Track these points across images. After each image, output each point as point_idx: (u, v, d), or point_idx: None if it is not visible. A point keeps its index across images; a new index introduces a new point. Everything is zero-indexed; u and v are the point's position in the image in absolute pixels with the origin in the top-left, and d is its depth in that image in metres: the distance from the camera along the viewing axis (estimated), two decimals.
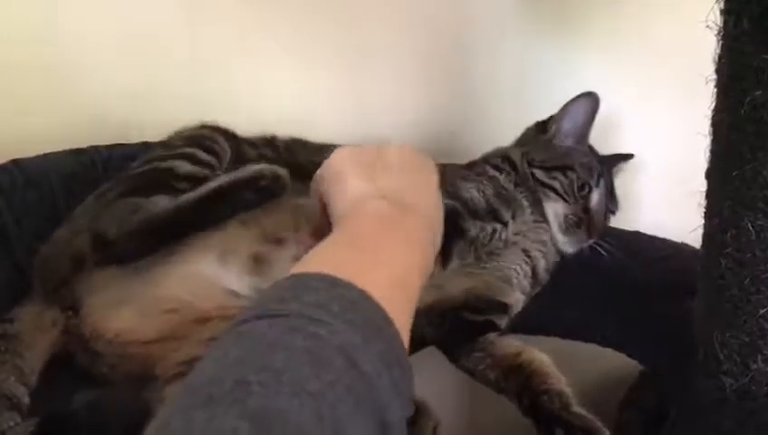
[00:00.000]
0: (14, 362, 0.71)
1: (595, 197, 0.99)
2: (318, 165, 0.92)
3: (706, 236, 0.70)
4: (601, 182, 1.00)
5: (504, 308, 0.91)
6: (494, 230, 0.93)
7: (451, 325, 0.89)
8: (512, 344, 0.85)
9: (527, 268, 0.95)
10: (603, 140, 1.10)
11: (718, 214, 0.67)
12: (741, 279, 0.65)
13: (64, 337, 0.76)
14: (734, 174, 0.64)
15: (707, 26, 0.65)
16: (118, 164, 0.92)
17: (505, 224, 0.94)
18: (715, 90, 0.67)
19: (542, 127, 1.04)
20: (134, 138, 1.00)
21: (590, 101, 0.99)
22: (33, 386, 0.72)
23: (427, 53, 1.21)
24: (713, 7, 0.64)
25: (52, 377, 0.74)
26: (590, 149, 1.05)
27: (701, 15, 0.65)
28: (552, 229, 0.98)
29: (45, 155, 0.90)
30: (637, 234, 1.07)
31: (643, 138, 1.20)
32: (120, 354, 0.75)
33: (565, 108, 1.01)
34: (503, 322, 0.90)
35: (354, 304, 0.44)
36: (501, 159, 1.01)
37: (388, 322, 0.45)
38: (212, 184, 0.78)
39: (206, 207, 0.77)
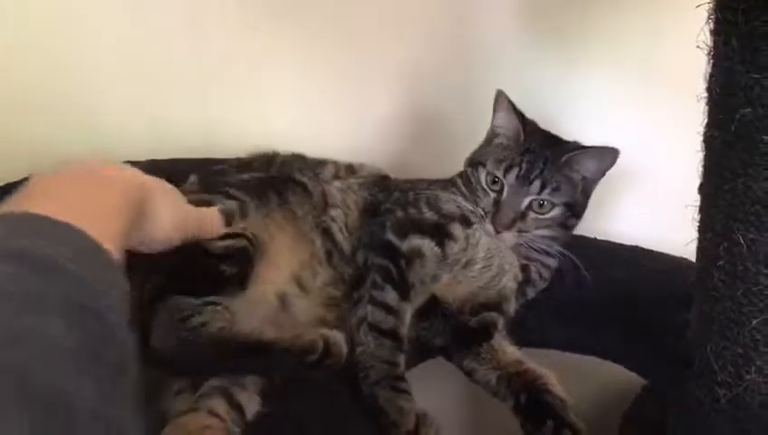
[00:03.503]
0: None
1: (506, 189, 0.96)
2: (311, 178, 0.96)
3: (700, 249, 0.72)
4: (512, 173, 0.95)
5: (498, 308, 0.94)
6: (474, 234, 0.95)
7: (453, 330, 0.93)
8: (516, 354, 0.90)
9: (516, 269, 0.97)
10: None
11: (711, 228, 0.69)
12: (734, 291, 0.67)
13: None
14: (725, 189, 0.66)
15: (698, 47, 0.68)
16: None
17: (480, 228, 0.96)
18: (707, 107, 0.68)
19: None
20: (141, 155, 1.02)
21: (502, 98, 1.00)
22: None
23: (428, 68, 1.24)
24: (702, 28, 0.66)
25: None
26: (543, 138, 1.01)
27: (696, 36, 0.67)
28: None
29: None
30: (635, 248, 1.09)
31: (642, 154, 1.22)
32: None
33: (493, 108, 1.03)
34: (499, 322, 0.93)
35: (54, 229, 0.48)
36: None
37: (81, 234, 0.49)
38: (263, 337, 0.77)
39: (248, 357, 0.77)
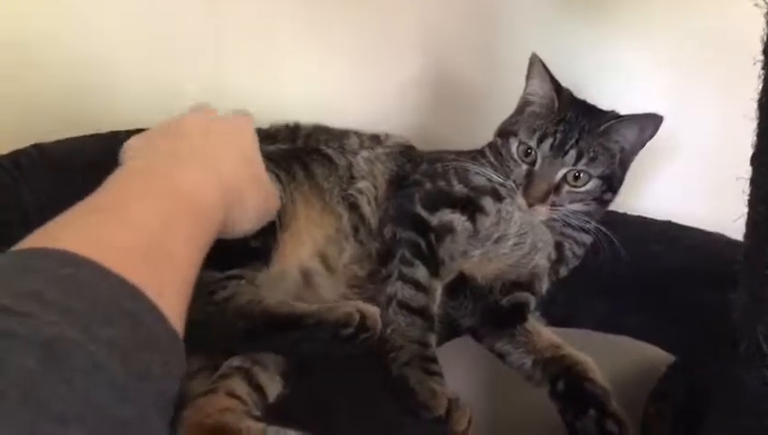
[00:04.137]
0: None
1: (539, 160, 0.91)
2: (337, 149, 0.91)
3: (751, 224, 0.68)
4: (546, 143, 0.91)
5: (531, 287, 0.90)
6: (505, 208, 0.91)
7: (484, 311, 0.90)
8: (553, 338, 0.87)
9: (549, 247, 0.93)
10: None
11: (766, 200, 0.65)
12: None
13: None
14: None
15: (756, 5, 0.63)
16: None
17: (512, 202, 0.92)
18: (763, 71, 0.64)
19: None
20: (153, 123, 0.98)
21: (535, 62, 0.95)
22: None
23: (452, 32, 1.19)
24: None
25: None
26: (578, 106, 0.96)
27: None
28: None
29: (67, 139, 0.89)
30: (668, 223, 1.05)
31: (677, 125, 1.17)
32: None
33: (526, 75, 0.97)
34: (532, 302, 0.90)
35: (82, 286, 0.38)
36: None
37: (135, 297, 0.40)
38: (296, 309, 0.75)
39: (281, 330, 0.74)
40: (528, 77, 0.97)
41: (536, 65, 0.95)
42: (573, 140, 0.90)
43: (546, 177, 0.90)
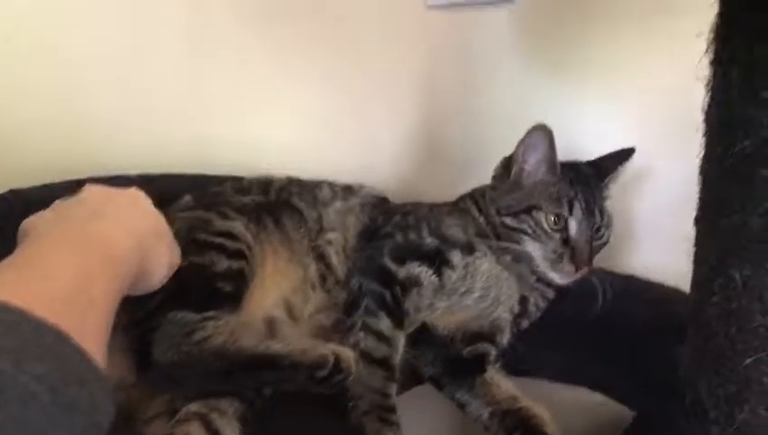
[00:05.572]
0: None
1: (573, 225, 0.94)
2: (309, 202, 0.94)
3: (695, 282, 0.71)
4: (576, 207, 0.95)
5: (492, 338, 0.93)
6: (473, 262, 0.94)
7: (445, 360, 0.92)
8: (511, 390, 0.89)
9: (513, 301, 0.96)
10: None
11: (706, 262, 0.68)
12: (727, 328, 0.65)
13: None
14: (721, 223, 0.64)
15: (697, 78, 0.67)
16: None
17: (484, 256, 0.95)
18: (704, 139, 0.67)
19: (505, 165, 1.02)
20: (132, 169, 1.01)
21: (543, 133, 0.95)
22: None
23: (426, 82, 1.23)
24: (701, 59, 0.65)
25: None
26: (572, 167, 1.01)
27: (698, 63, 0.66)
28: (539, 268, 0.97)
29: (45, 185, 0.91)
30: (630, 278, 1.08)
31: (644, 181, 1.21)
32: None
33: (521, 143, 0.98)
34: (492, 353, 0.92)
35: (11, 328, 0.42)
36: (482, 199, 1.02)
37: (60, 339, 0.43)
38: (272, 350, 0.76)
39: (256, 370, 0.76)
40: (531, 146, 0.97)
41: (545, 135, 0.96)
42: (593, 199, 0.96)
43: (586, 240, 0.94)
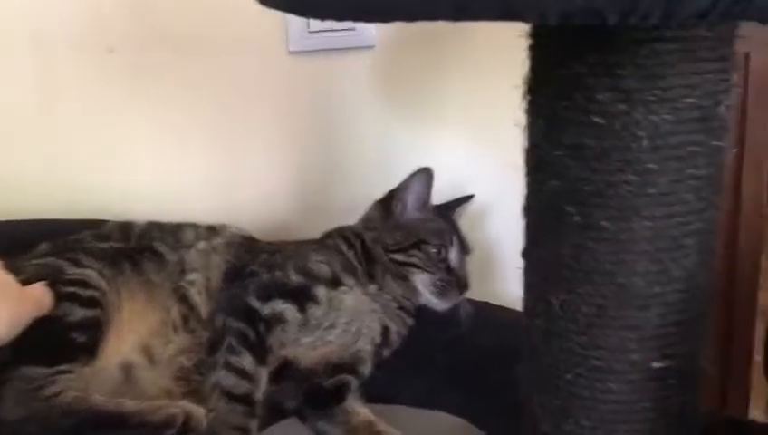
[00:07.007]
0: None
1: (453, 256, 1.05)
2: (171, 245, 0.95)
3: (524, 308, 0.78)
4: (454, 240, 1.07)
5: (353, 369, 0.97)
6: (338, 296, 0.99)
7: (306, 392, 0.96)
8: (368, 416, 0.94)
9: (375, 333, 1.01)
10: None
11: (530, 289, 0.75)
12: (550, 348, 0.72)
13: None
14: (539, 253, 0.72)
15: (515, 124, 0.74)
16: None
17: (350, 289, 1.00)
18: (525, 178, 0.75)
19: (384, 206, 1.10)
20: None
21: (426, 175, 1.06)
22: None
23: (290, 125, 1.28)
24: (517, 108, 0.73)
25: None
26: (434, 207, 1.11)
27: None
28: (425, 297, 1.06)
29: None
30: (486, 304, 1.15)
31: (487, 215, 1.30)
32: None
33: (405, 185, 1.07)
34: (353, 383, 0.96)
35: None
36: (354, 236, 1.07)
37: None
38: (122, 408, 0.78)
39: (106, 428, 0.77)
40: (413, 187, 1.07)
41: (428, 176, 1.06)
42: (459, 232, 1.07)
43: (462, 267, 1.06)
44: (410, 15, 0.45)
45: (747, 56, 1.31)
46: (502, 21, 0.44)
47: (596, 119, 0.63)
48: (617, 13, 0.40)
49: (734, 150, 0.94)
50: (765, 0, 0.40)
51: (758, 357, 1.45)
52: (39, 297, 0.78)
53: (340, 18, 0.50)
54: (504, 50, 0.70)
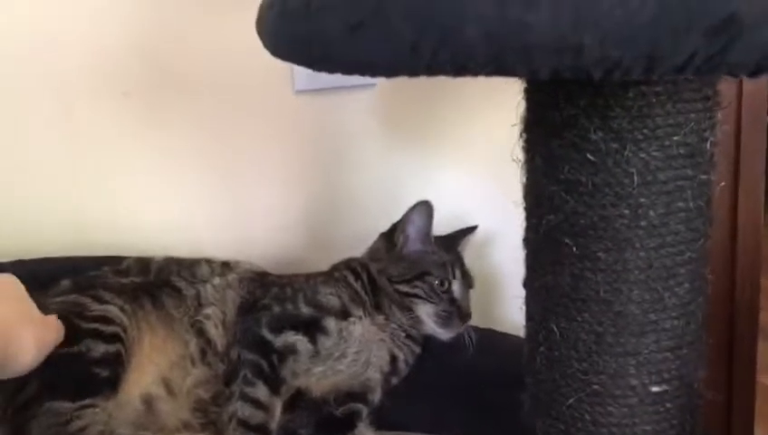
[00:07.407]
0: None
1: (456, 287, 1.10)
2: (188, 280, 0.99)
3: (527, 335, 0.81)
4: (457, 271, 1.11)
5: (363, 398, 1.00)
6: (347, 327, 1.02)
7: (318, 421, 0.99)
8: None
9: (384, 362, 1.04)
10: None
11: (533, 317, 0.79)
12: (552, 374, 0.76)
13: None
14: (540, 283, 0.76)
15: (513, 160, 0.78)
16: None
17: (358, 320, 1.03)
18: (524, 212, 0.79)
19: (388, 238, 1.14)
20: (7, 256, 1.04)
21: (426, 208, 1.10)
22: None
23: (297, 162, 1.32)
24: (515, 144, 0.77)
25: None
26: (437, 239, 1.15)
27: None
28: (429, 326, 1.09)
29: None
30: (490, 331, 1.18)
31: (488, 245, 1.34)
32: None
33: (407, 218, 1.12)
34: (364, 411, 1.00)
35: None
36: (361, 267, 1.11)
37: None
38: None
39: None
40: (415, 220, 1.11)
41: (429, 210, 1.11)
42: (462, 264, 1.12)
43: (465, 298, 1.11)
44: (414, 72, 0.49)
45: (740, 80, 1.35)
46: (497, 76, 0.48)
47: (589, 156, 0.67)
48: (601, 70, 0.45)
49: (722, 184, 0.98)
50: (737, 56, 0.44)
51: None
52: (59, 326, 0.81)
53: (347, 72, 0.54)
54: (501, 90, 0.74)
